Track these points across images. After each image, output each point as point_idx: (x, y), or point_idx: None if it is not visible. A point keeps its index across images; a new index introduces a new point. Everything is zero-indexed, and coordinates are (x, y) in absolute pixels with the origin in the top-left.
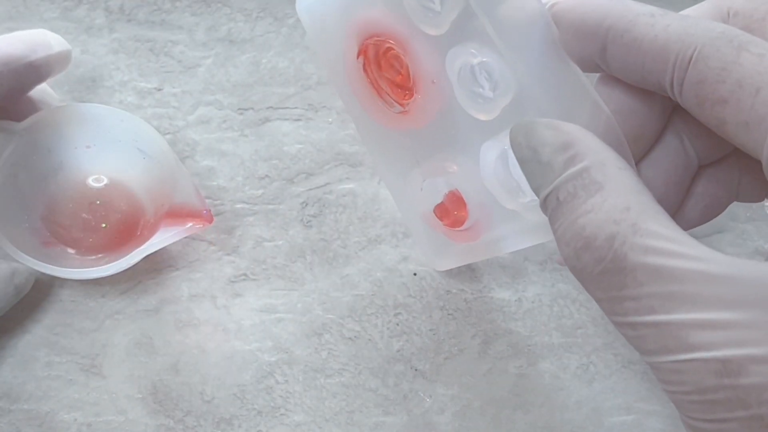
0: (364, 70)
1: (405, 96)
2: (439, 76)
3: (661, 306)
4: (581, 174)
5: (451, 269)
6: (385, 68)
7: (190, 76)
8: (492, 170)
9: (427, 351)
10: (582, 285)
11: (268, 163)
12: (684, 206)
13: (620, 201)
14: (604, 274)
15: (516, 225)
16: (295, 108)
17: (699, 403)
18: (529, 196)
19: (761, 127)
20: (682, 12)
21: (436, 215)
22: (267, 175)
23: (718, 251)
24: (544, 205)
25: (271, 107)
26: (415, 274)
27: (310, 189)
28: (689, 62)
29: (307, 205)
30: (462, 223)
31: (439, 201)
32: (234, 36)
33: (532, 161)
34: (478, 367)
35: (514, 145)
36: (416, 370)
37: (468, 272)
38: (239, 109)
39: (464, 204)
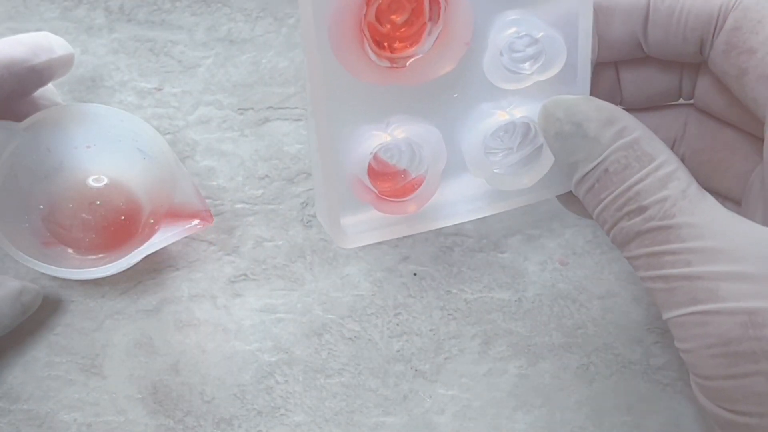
0: (359, 12)
1: (384, 48)
2: (474, 39)
3: (697, 260)
4: (632, 145)
5: (452, 266)
6: (377, 14)
7: (190, 76)
8: (485, 136)
9: (427, 351)
10: (620, 247)
11: (268, 163)
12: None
13: (671, 170)
14: (649, 231)
15: (471, 194)
16: (295, 108)
17: (722, 356)
18: (505, 167)
19: None
20: None
21: (370, 176)
22: (267, 175)
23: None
24: (585, 178)
25: (271, 107)
26: (415, 274)
27: (310, 189)
28: (731, 10)
29: (307, 205)
30: (409, 193)
31: (386, 165)
32: (234, 36)
33: (575, 136)
34: (478, 367)
35: (551, 120)
36: (416, 370)
37: (468, 272)
38: (239, 109)
39: (398, 171)
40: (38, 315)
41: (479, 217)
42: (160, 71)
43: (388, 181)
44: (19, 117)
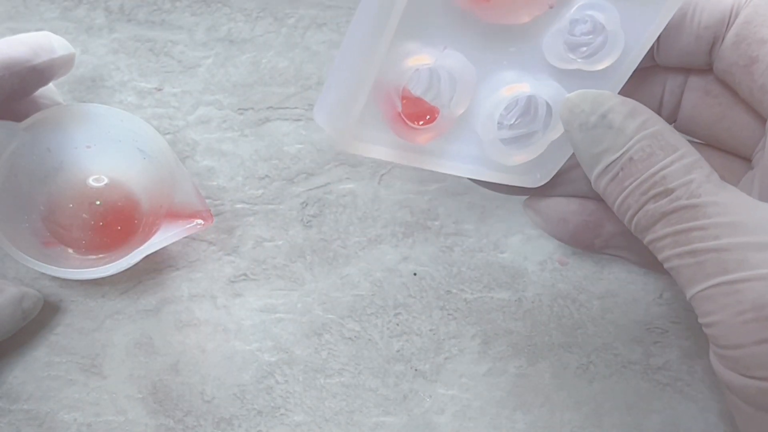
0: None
1: None
2: (558, 3)
3: (725, 233)
4: (656, 136)
5: (452, 266)
6: None
7: (190, 76)
8: (504, 101)
9: (427, 351)
10: (643, 231)
11: (268, 163)
12: None
13: (694, 159)
14: (676, 210)
15: (469, 153)
16: (295, 108)
17: (754, 321)
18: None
19: None
20: None
21: (405, 101)
22: (267, 175)
23: None
24: (609, 167)
25: (271, 107)
26: (415, 274)
27: (310, 189)
28: (743, 7)
29: (307, 205)
30: (425, 123)
31: (423, 89)
32: (234, 36)
33: (600, 127)
34: (478, 367)
35: (576, 112)
36: (416, 370)
37: (468, 272)
38: (239, 109)
39: (440, 106)
40: (38, 315)
41: (465, 176)
42: (160, 71)
43: (411, 105)
44: (19, 117)
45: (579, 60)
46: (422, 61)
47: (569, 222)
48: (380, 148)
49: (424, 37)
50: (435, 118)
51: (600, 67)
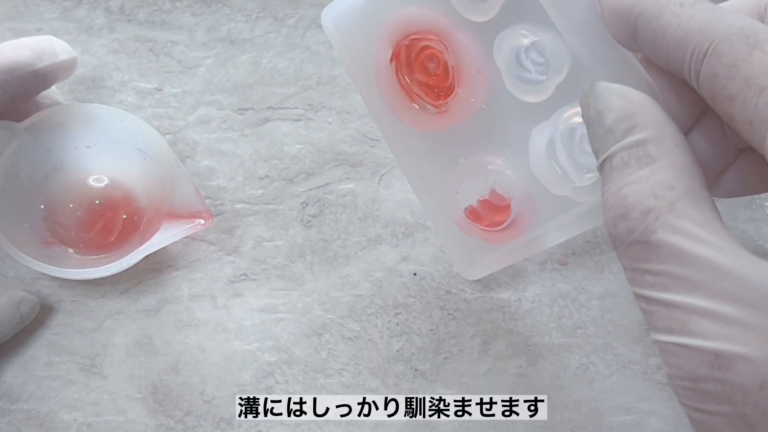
0: (397, 74)
1: (440, 96)
2: (485, 65)
3: (674, 286)
4: (637, 145)
5: (452, 266)
6: (418, 70)
7: (190, 77)
8: (543, 154)
9: (427, 351)
10: (614, 247)
11: (268, 163)
12: (722, 176)
13: (667, 178)
14: (633, 244)
15: (564, 213)
16: (295, 108)
17: (691, 390)
18: (580, 179)
19: (762, 127)
20: (721, 4)
21: (470, 218)
22: (267, 175)
23: (744, 248)
24: (600, 168)
25: (271, 107)
26: (415, 274)
27: (310, 189)
28: (704, 56)
29: (307, 205)
30: (502, 222)
31: (478, 201)
32: (234, 36)
33: (596, 124)
34: (478, 367)
35: (583, 106)
36: (416, 370)
37: None
38: (239, 109)
39: (504, 201)
40: (38, 315)
41: (576, 234)
42: (161, 71)
43: (500, 212)
44: (19, 117)
45: (549, 80)
46: (469, 179)
47: (750, 178)
48: (499, 259)
49: (438, 168)
50: (510, 212)
51: (564, 73)
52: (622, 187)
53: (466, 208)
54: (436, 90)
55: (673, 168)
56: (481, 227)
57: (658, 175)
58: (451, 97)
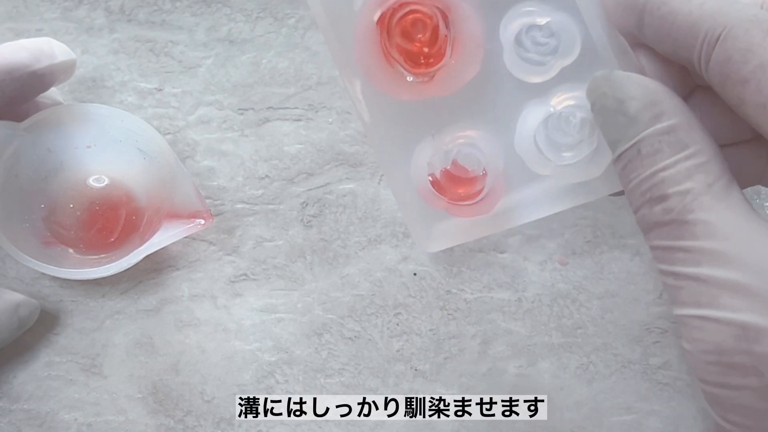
0: (381, 37)
1: (420, 65)
2: (486, 40)
3: (706, 261)
4: (668, 132)
5: (452, 266)
6: (399, 34)
7: (191, 77)
8: (532, 133)
9: (427, 351)
10: (643, 233)
11: (268, 163)
12: None
13: (702, 162)
14: (668, 224)
15: (538, 192)
16: (295, 108)
17: (716, 365)
18: (558, 158)
19: None
20: None
21: (435, 189)
22: (267, 175)
23: None
24: (621, 156)
25: (271, 107)
26: (415, 274)
27: (310, 189)
28: (717, 40)
29: (307, 205)
30: (467, 196)
31: (440, 171)
32: (234, 36)
33: (616, 112)
34: (478, 367)
35: (596, 95)
36: (416, 369)
37: (468, 272)
38: (239, 109)
39: (467, 174)
40: (39, 314)
41: (547, 214)
42: (161, 71)
43: (458, 186)
44: (19, 117)
45: (556, 61)
46: (431, 152)
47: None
48: (461, 234)
49: (412, 137)
50: (484, 185)
51: (573, 56)
52: (657, 172)
53: (430, 179)
54: (417, 57)
55: (706, 153)
56: (447, 200)
57: (693, 159)
58: (439, 66)
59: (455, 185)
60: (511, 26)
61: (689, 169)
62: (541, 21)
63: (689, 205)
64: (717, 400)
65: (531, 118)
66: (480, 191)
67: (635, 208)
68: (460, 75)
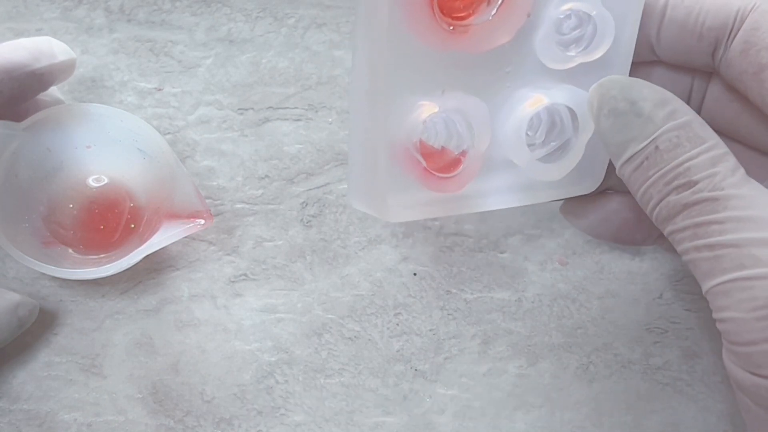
0: None
1: (461, 13)
2: (534, 10)
3: (744, 227)
4: (684, 127)
5: (452, 266)
6: None
7: (190, 76)
8: (526, 120)
9: (427, 351)
10: (665, 221)
11: (268, 163)
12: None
13: (722, 153)
14: (699, 202)
15: (509, 181)
16: (295, 108)
17: (765, 320)
18: (536, 154)
19: None
20: None
21: (427, 156)
22: (267, 175)
23: None
24: (634, 156)
25: (271, 107)
26: (415, 274)
27: (310, 189)
28: (749, 12)
29: (307, 205)
30: (454, 169)
31: (418, 138)
32: (234, 36)
33: (628, 113)
34: (478, 367)
35: (605, 99)
36: (416, 370)
37: (468, 272)
38: (239, 109)
39: (432, 147)
40: (38, 314)
41: (512, 206)
42: (160, 71)
43: (435, 157)
44: (19, 117)
45: (577, 55)
46: (427, 111)
47: (611, 221)
48: (422, 208)
49: (420, 89)
50: (461, 163)
51: (599, 53)
52: (681, 163)
53: (413, 142)
54: (461, 11)
55: (722, 146)
56: (425, 167)
57: (713, 151)
58: (479, 19)
59: (425, 155)
60: (560, 6)
61: (713, 158)
62: (591, 11)
63: (719, 184)
64: (756, 357)
65: (528, 103)
66: (455, 167)
67: (658, 200)
68: (494, 36)
